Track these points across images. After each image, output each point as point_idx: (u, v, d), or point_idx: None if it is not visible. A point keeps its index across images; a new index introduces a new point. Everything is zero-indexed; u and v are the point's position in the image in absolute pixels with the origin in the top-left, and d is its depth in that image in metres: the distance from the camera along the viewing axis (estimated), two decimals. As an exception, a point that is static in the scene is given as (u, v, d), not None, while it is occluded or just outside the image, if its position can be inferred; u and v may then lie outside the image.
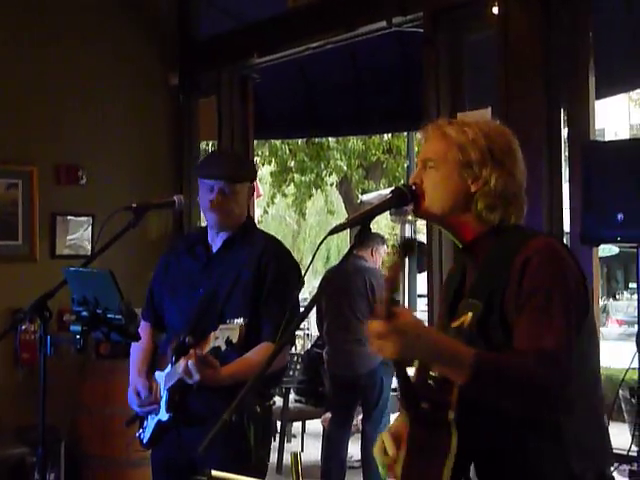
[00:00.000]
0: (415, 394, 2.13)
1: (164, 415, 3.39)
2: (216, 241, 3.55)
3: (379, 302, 1.94)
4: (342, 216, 17.17)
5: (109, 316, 2.98)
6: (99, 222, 6.15)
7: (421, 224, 15.63)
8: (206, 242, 3.57)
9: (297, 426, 9.00)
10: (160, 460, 3.54)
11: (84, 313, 3.01)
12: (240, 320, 3.04)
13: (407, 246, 1.97)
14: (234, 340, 3.01)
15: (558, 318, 2.05)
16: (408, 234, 11.41)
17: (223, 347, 3.04)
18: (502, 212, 2.24)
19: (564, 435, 2.12)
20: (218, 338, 3.05)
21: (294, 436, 9.13)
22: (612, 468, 2.25)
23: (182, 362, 3.15)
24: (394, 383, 6.40)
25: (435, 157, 2.28)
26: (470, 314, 2.16)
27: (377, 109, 7.70)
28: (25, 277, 5.96)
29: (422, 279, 10.46)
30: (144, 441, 3.54)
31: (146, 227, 6.42)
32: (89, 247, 6.29)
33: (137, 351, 3.64)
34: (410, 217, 10.57)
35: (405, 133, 14.03)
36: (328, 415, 7.00)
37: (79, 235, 6.34)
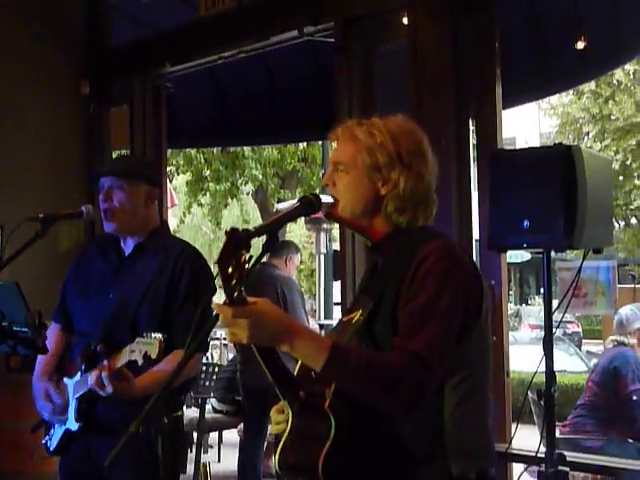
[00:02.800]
0: (291, 383, 2.18)
1: (73, 425, 3.30)
2: (128, 245, 3.45)
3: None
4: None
5: (15, 329, 2.92)
6: (8, 233, 6.03)
7: (337, 232, 15.63)
8: (118, 246, 3.47)
9: (214, 436, 8.94)
10: (68, 470, 3.46)
11: (-12, 326, 2.94)
12: (159, 335, 2.93)
13: (236, 237, 1.94)
14: (153, 356, 2.91)
15: (436, 320, 2.07)
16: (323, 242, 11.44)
17: (140, 362, 2.94)
18: (411, 214, 2.28)
19: (445, 436, 2.15)
20: (135, 352, 2.95)
21: (211, 447, 9.07)
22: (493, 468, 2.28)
23: (94, 373, 3.06)
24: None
25: (345, 160, 2.30)
26: (360, 311, 2.21)
27: (292, 118, 7.74)
28: None
29: (338, 287, 10.52)
30: (50, 449, 3.47)
31: (57, 238, 6.32)
32: (-2, 259, 6.16)
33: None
34: (325, 225, 10.60)
35: (320, 142, 14.12)
36: (242, 425, 6.97)
37: (-12, 247, 6.21)
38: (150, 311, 3.29)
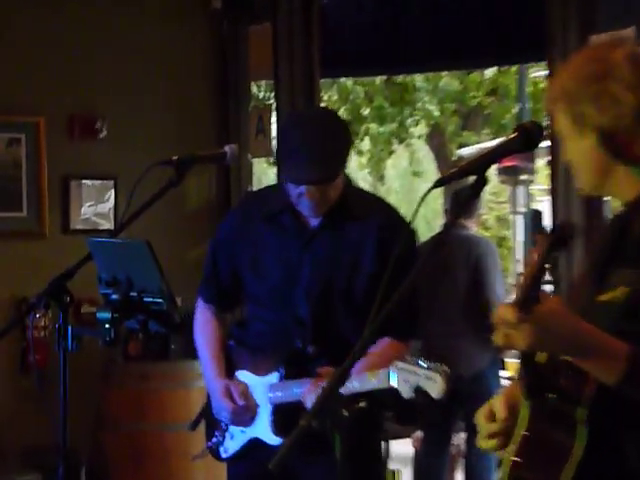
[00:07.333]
0: (543, 383, 2.17)
1: (268, 437, 3.44)
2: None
3: (517, 288, 1.99)
4: (433, 178, 17.15)
5: (146, 300, 2.99)
6: (123, 187, 6.21)
7: (536, 188, 15.34)
8: (293, 210, 3.54)
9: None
10: (242, 475, 3.64)
11: (114, 296, 3.02)
12: (444, 368, 2.89)
13: (563, 236, 2.01)
14: (434, 394, 2.85)
15: None
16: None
17: (408, 395, 2.91)
18: None
19: None
20: (395, 380, 2.96)
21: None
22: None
23: (312, 386, 3.22)
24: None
25: None
26: (621, 287, 2.15)
27: (479, 35, 7.64)
28: (31, 258, 6.08)
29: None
30: (223, 454, 3.60)
31: (183, 193, 6.45)
32: (112, 218, 6.36)
33: (208, 343, 3.67)
34: (525, 176, 10.43)
35: (514, 67, 13.92)
36: (419, 434, 6.98)
37: (98, 204, 6.40)
38: (365, 283, 3.42)
